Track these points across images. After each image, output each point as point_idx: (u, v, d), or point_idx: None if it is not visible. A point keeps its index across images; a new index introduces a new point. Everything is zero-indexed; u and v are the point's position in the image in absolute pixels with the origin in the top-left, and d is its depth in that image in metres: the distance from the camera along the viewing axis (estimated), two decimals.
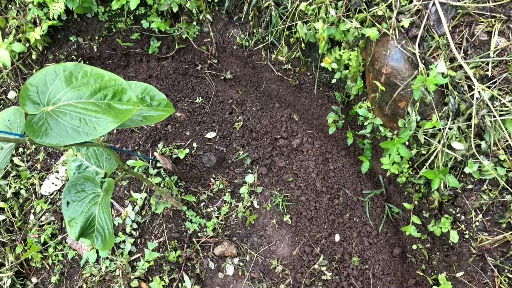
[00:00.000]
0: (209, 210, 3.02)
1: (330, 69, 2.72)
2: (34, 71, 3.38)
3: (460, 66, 2.22)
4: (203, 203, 3.04)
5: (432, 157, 2.32)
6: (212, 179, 3.10)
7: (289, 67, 3.14)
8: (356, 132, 2.87)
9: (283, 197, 2.99)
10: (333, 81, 2.78)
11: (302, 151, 3.05)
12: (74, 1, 2.98)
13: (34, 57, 3.30)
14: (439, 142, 2.29)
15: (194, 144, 3.16)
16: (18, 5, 3.24)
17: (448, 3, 2.21)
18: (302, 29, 2.74)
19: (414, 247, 2.65)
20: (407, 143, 2.43)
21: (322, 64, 2.74)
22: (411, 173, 2.52)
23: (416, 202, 2.60)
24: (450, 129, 2.24)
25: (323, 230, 2.88)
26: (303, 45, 2.88)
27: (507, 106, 2.14)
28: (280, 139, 3.10)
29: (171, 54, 3.39)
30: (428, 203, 2.49)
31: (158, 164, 3.08)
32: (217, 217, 2.99)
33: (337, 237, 2.85)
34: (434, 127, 2.26)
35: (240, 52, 3.27)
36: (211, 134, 3.20)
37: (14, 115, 2.04)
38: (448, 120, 2.25)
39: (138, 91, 2.29)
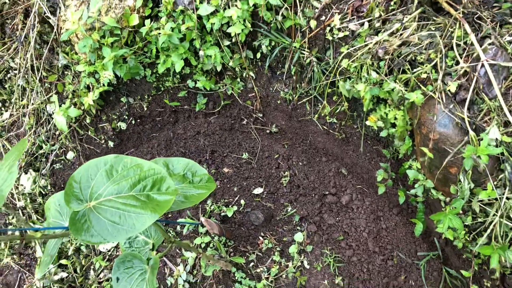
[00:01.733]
0: (258, 270, 2.99)
1: (376, 128, 2.62)
2: (89, 132, 3.55)
3: None
4: (252, 263, 3.01)
5: (490, 227, 2.15)
6: (260, 238, 3.07)
7: (335, 120, 3.07)
8: (408, 191, 2.73)
9: (334, 257, 2.90)
10: (381, 134, 2.67)
11: (352, 208, 2.96)
12: (122, 69, 3.11)
13: (88, 120, 3.47)
14: (496, 211, 2.12)
15: (242, 201, 3.16)
16: (73, 72, 3.44)
17: (499, 64, 2.05)
18: (344, 87, 2.67)
19: None
20: (461, 211, 2.27)
21: (367, 123, 2.64)
22: (468, 239, 2.35)
23: (475, 268, 2.41)
24: (508, 199, 2.07)
25: None
26: (345, 103, 2.81)
27: None
28: (329, 195, 3.02)
29: (217, 110, 3.44)
30: (489, 271, 2.31)
31: None
32: (267, 278, 2.95)
33: None
34: (490, 196, 2.09)
35: (285, 106, 3.24)
36: (258, 190, 3.19)
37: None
38: (505, 189, 2.08)
39: (181, 168, 2.32)
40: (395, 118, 2.51)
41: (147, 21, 3.00)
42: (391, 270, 2.77)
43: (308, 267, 2.95)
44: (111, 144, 3.54)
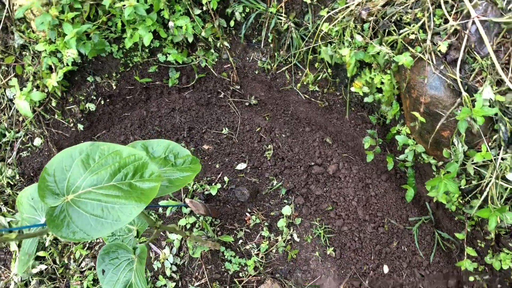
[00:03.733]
0: (247, 247, 2.91)
1: (361, 94, 2.52)
2: (56, 116, 3.32)
3: (510, 89, 1.98)
4: (241, 241, 2.93)
5: (486, 189, 2.11)
6: (247, 214, 2.98)
7: (317, 88, 2.95)
8: (396, 157, 2.67)
9: (324, 228, 2.84)
10: (366, 100, 2.57)
11: (339, 178, 2.88)
12: (86, 46, 2.87)
13: (53, 103, 3.23)
14: (491, 173, 2.07)
15: (226, 178, 3.04)
16: (32, 52, 3.17)
17: (490, 20, 1.96)
18: (326, 53, 2.55)
19: (471, 278, 2.45)
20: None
21: (352, 89, 2.54)
22: (461, 201, 2.31)
23: (468, 230, 2.40)
24: (503, 159, 2.02)
25: (370, 262, 2.72)
26: (328, 70, 2.69)
27: None
28: (315, 166, 2.93)
29: (192, 84, 3.26)
30: (483, 232, 2.29)
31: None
32: (257, 255, 2.88)
33: (385, 269, 2.69)
34: (485, 158, 2.04)
35: (263, 76, 3.10)
36: (241, 166, 3.07)
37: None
38: (500, 150, 2.03)
39: (161, 151, 2.17)
40: (382, 83, 2.41)
41: None
42: (383, 237, 2.74)
43: (298, 240, 2.89)
44: (80, 127, 3.33)
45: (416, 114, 2.17)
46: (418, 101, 2.15)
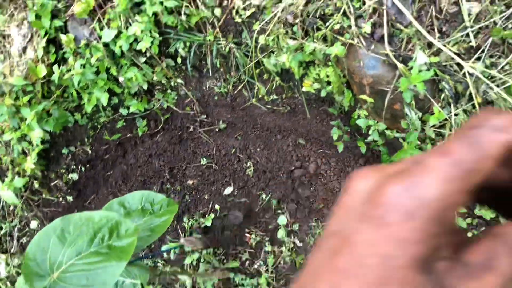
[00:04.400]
0: (255, 266, 2.95)
1: (313, 90, 2.58)
2: (43, 195, 3.40)
3: (440, 48, 2.03)
4: (247, 262, 2.97)
5: None
6: (247, 235, 3.03)
7: (275, 96, 3.01)
8: (366, 140, 2.72)
9: (322, 226, 2.88)
10: (322, 94, 2.62)
11: (321, 174, 2.93)
12: (49, 123, 2.96)
13: (37, 184, 3.32)
14: (450, 130, 2.12)
15: (217, 206, 3.09)
16: (3, 142, 3.27)
17: None
18: (269, 63, 2.62)
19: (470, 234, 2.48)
20: (418, 142, 2.27)
21: (304, 89, 2.60)
22: None
23: None
24: (456, 115, 2.07)
25: None
26: (277, 78, 2.76)
27: (506, 70, 1.95)
28: (296, 170, 2.99)
29: (161, 127, 3.33)
30: None
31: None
32: (266, 271, 2.92)
33: None
34: (439, 119, 2.09)
35: (224, 100, 3.17)
36: (228, 190, 3.13)
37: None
38: (451, 107, 2.08)
39: (137, 202, 2.23)
40: (328, 76, 2.47)
41: (55, 67, 2.86)
42: None
43: (301, 245, 2.93)
44: (69, 198, 3.41)
45: (364, 97, 2.22)
46: (362, 84, 2.21)
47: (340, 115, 2.89)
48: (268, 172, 3.06)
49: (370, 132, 2.48)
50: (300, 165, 2.98)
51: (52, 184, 3.41)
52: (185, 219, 3.14)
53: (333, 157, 2.94)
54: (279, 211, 3.01)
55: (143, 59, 2.96)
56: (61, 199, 3.44)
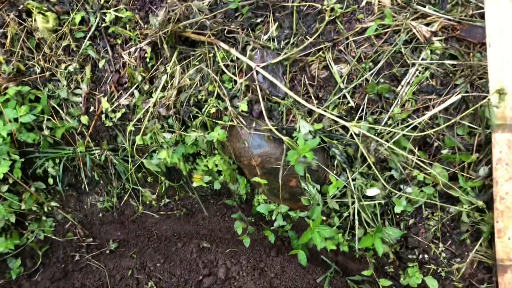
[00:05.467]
0: None
1: (205, 184, 2.34)
2: None
3: (322, 114, 1.94)
4: None
5: (355, 216, 1.98)
6: None
7: (167, 200, 2.71)
8: (272, 227, 2.47)
9: None
10: (216, 187, 2.38)
11: (234, 277, 2.58)
12: None
13: None
14: (352, 198, 1.96)
15: None
16: None
17: (270, 63, 1.95)
18: (150, 164, 2.36)
19: None
20: (324, 217, 2.07)
21: (194, 184, 2.35)
22: (348, 238, 2.15)
23: (373, 261, 2.22)
24: (354, 180, 1.93)
25: None
26: (163, 178, 2.49)
27: (389, 125, 1.89)
28: (205, 278, 2.61)
29: (40, 262, 2.80)
30: (386, 257, 2.13)
31: None
32: None
33: None
34: (338, 187, 1.93)
35: (110, 216, 2.79)
36: None
37: None
38: (347, 172, 1.94)
39: None
40: (216, 165, 2.26)
41: None
42: None
43: None
44: None
45: (257, 179, 2.02)
46: (252, 165, 2.02)
47: (241, 206, 2.64)
48: None
49: (273, 217, 2.25)
50: (208, 272, 2.62)
51: None
52: None
53: (243, 254, 2.63)
54: None
55: (5, 188, 2.54)
56: None
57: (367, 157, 1.86)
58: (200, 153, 2.34)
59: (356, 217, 1.94)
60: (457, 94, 1.81)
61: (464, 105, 1.86)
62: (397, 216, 1.99)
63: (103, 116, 2.45)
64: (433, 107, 1.85)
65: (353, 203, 1.94)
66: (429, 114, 1.83)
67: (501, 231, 1.80)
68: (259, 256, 2.60)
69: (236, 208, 2.63)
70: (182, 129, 2.20)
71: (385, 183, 1.89)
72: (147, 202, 2.71)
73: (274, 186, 2.08)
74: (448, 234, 1.93)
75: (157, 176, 2.59)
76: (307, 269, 2.53)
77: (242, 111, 1.97)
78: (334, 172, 1.96)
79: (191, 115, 2.15)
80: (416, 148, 1.90)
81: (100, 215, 2.78)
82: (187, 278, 2.64)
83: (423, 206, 1.94)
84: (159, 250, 2.77)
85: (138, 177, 2.60)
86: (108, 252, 2.82)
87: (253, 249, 2.64)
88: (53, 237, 2.79)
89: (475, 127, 1.82)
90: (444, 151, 1.86)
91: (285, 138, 1.89)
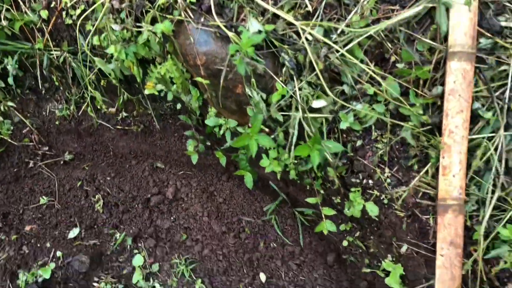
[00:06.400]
0: None
1: (157, 93, 2.22)
2: None
3: (277, 16, 1.78)
4: None
5: (295, 127, 1.83)
6: (95, 284, 2.42)
7: (125, 114, 2.61)
8: (222, 148, 2.34)
9: (185, 262, 2.37)
10: (168, 98, 2.25)
11: (182, 198, 2.48)
12: None
13: None
14: (296, 108, 1.81)
15: (58, 253, 2.49)
16: None
17: None
18: (104, 65, 2.24)
19: (345, 243, 2.11)
20: (266, 129, 1.93)
21: (146, 92, 2.23)
22: (296, 162, 2.01)
23: (322, 192, 2.08)
24: (300, 89, 1.78)
25: (245, 276, 2.28)
26: (121, 89, 2.38)
27: (346, 33, 1.72)
28: (153, 197, 2.51)
29: None
30: (332, 184, 1.98)
31: None
32: None
33: (262, 277, 2.26)
34: (283, 96, 1.79)
35: (67, 125, 2.70)
36: (74, 232, 2.55)
37: None
38: (294, 80, 1.79)
39: None
40: (169, 72, 2.13)
41: None
42: (247, 242, 2.33)
43: None
44: None
45: (199, 79, 1.89)
46: (197, 65, 1.88)
47: (198, 128, 2.52)
48: (121, 204, 2.55)
49: (221, 131, 2.12)
50: (158, 191, 2.52)
51: None
52: (20, 275, 2.48)
53: (194, 177, 2.52)
54: (136, 251, 2.47)
55: None
56: None
57: (314, 64, 1.70)
58: (155, 61, 2.22)
59: (296, 127, 1.79)
60: (418, 5, 1.63)
61: (429, 20, 1.68)
62: (344, 136, 1.84)
63: (64, 13, 2.34)
64: None
65: (295, 112, 1.79)
66: (388, 22, 1.66)
67: (446, 168, 1.63)
68: (210, 180, 2.49)
69: (190, 126, 2.51)
70: (135, 26, 2.07)
71: (332, 95, 1.73)
72: (105, 113, 2.61)
73: (221, 94, 1.94)
74: (396, 159, 1.77)
75: (116, 86, 2.48)
76: (256, 197, 2.41)
77: (190, 2, 1.83)
78: (281, 79, 1.81)
79: (143, 10, 2.01)
80: (373, 64, 1.74)
81: (58, 123, 2.70)
82: (136, 194, 2.55)
83: (373, 127, 1.78)
84: (112, 166, 2.68)
85: (97, 86, 2.50)
86: (62, 162, 2.75)
87: (206, 173, 2.53)
88: (9, 140, 2.72)
89: (437, 44, 1.64)
90: (400, 65, 1.69)
91: (230, 34, 1.74)
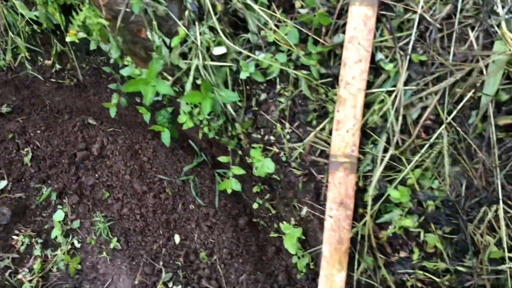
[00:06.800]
0: (19, 276, 2.27)
1: (77, 40, 2.13)
2: None
3: None
4: (9, 270, 2.29)
5: (191, 74, 1.72)
6: (15, 237, 2.37)
7: (59, 66, 2.53)
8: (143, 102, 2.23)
9: (104, 220, 2.30)
10: (91, 47, 2.16)
11: (107, 156, 2.40)
12: None
13: None
14: (196, 56, 1.70)
15: None
16: None
17: None
18: (25, 9, 2.16)
19: (255, 206, 2.00)
20: (169, 77, 1.83)
21: (68, 39, 2.14)
22: (208, 117, 1.90)
23: (240, 152, 1.98)
24: (201, 34, 1.67)
25: (160, 237, 2.19)
26: (55, 40, 2.29)
27: None
28: (79, 152, 2.44)
29: None
30: (238, 140, 1.88)
31: None
32: (30, 281, 2.24)
33: (177, 238, 2.17)
34: (186, 41, 1.68)
35: (4, 76, 2.63)
36: (1, 184, 2.50)
37: None
38: (196, 25, 1.68)
39: None
40: (88, 18, 2.03)
41: None
42: (167, 203, 2.24)
43: (79, 246, 2.31)
44: None
45: (101, 20, 1.79)
46: (100, 6, 1.78)
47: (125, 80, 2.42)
48: (48, 158, 2.48)
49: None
50: (85, 147, 2.44)
51: None
52: None
53: (121, 134, 2.43)
54: (60, 207, 2.41)
55: None
56: None
57: (213, 7, 1.59)
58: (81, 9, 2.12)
59: (192, 74, 1.68)
60: None
61: None
62: (249, 89, 1.72)
63: None
64: None
65: (191, 59, 1.68)
66: None
67: (340, 123, 1.50)
68: (136, 138, 2.40)
69: (115, 79, 2.41)
70: None
71: (229, 42, 1.62)
72: (42, 66, 2.53)
73: (127, 39, 1.84)
74: (297, 114, 1.65)
75: (50, 38, 2.41)
76: (179, 157, 2.31)
77: None
78: (185, 23, 1.70)
79: None
80: (280, 10, 1.62)
81: None
82: (63, 149, 2.48)
83: (277, 79, 1.66)
84: (45, 120, 2.61)
85: (30, 36, 2.42)
86: None
87: (134, 131, 2.44)
88: None
89: None
90: (303, 11, 1.56)
91: None
